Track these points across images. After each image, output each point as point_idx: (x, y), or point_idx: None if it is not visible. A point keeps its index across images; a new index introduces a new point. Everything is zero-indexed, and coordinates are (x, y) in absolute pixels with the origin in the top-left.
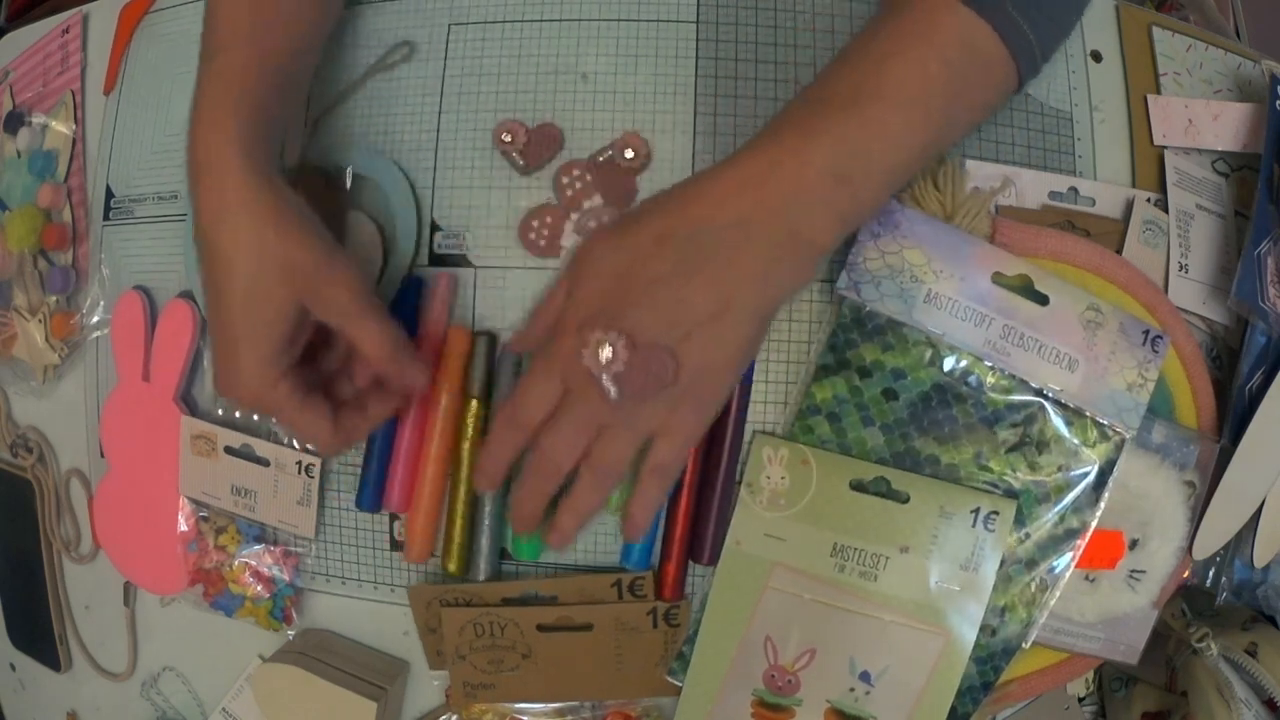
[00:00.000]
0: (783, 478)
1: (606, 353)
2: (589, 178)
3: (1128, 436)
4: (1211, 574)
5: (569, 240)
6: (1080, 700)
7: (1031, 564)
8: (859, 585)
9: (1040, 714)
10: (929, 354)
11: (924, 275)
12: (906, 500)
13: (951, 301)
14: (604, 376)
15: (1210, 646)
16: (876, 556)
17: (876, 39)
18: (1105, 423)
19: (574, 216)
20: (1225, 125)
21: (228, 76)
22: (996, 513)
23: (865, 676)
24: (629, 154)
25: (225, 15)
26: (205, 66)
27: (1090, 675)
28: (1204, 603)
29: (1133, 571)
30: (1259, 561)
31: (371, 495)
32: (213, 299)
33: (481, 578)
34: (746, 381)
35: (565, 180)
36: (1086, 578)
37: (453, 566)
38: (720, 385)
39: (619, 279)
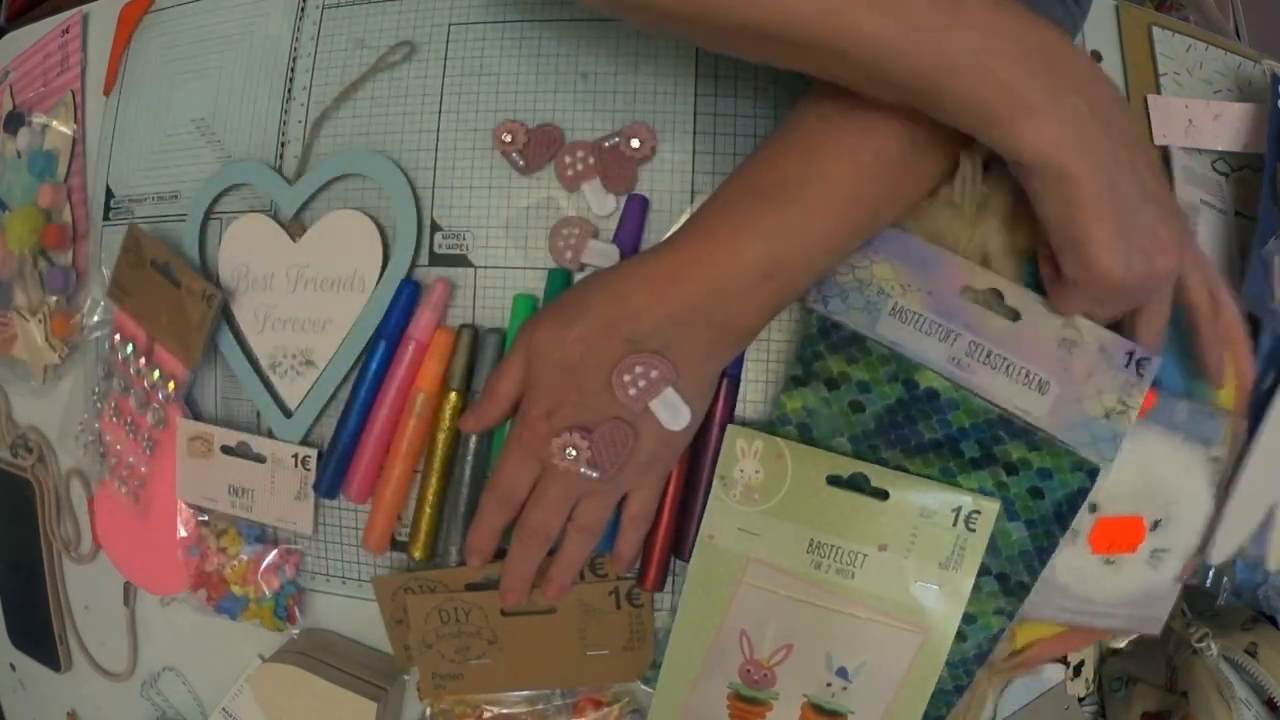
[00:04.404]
0: (757, 471)
1: (571, 452)
2: (591, 160)
3: (1101, 468)
4: (1211, 574)
5: (590, 256)
6: (1080, 700)
7: (1003, 577)
8: (836, 583)
9: (1040, 714)
10: (892, 369)
11: (891, 289)
12: (886, 497)
13: (917, 316)
14: (580, 469)
15: (1210, 646)
16: (854, 554)
17: (811, 123)
18: (1077, 451)
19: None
20: (1225, 125)
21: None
22: (978, 512)
23: (842, 672)
24: (635, 143)
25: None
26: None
27: (1090, 675)
28: (1204, 603)
29: (1155, 551)
30: (1273, 564)
31: (329, 481)
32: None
33: (453, 563)
34: (735, 382)
35: (568, 160)
36: (1106, 561)
37: (419, 554)
38: (679, 445)
39: (570, 372)
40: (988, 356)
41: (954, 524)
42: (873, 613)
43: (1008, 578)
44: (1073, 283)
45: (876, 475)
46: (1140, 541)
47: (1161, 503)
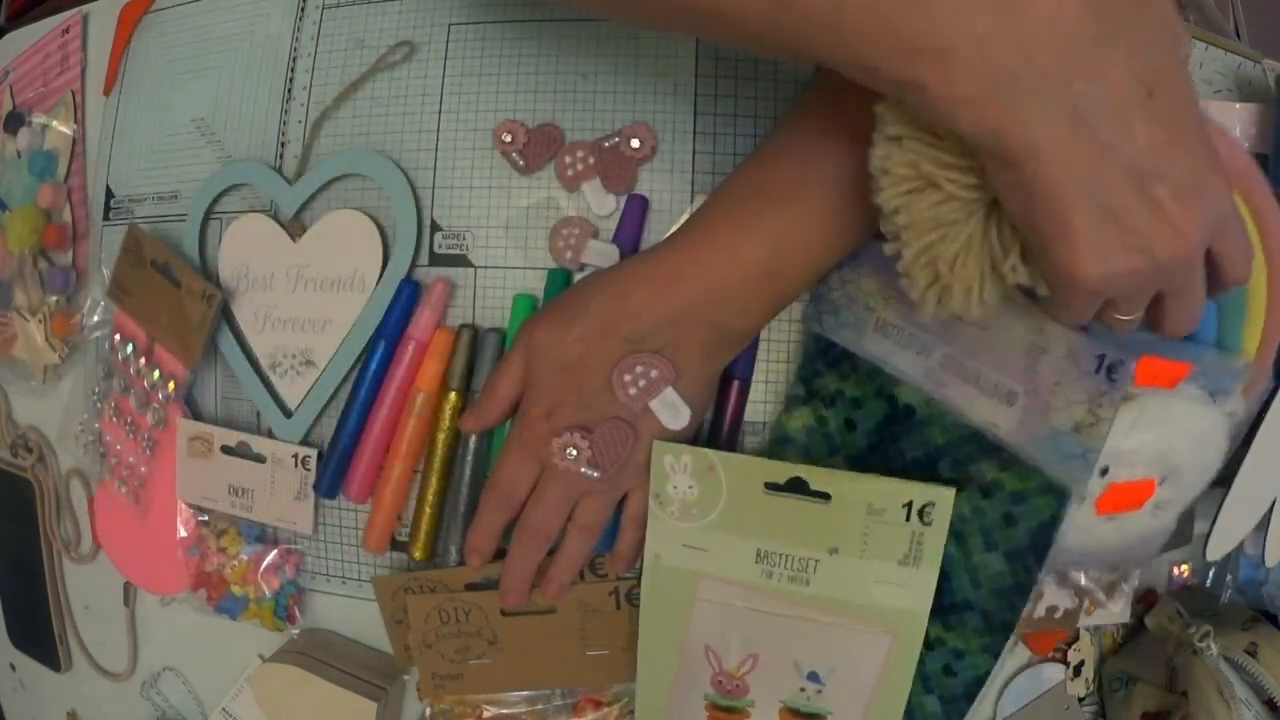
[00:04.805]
0: (690, 486)
1: (572, 452)
2: (592, 160)
3: (1070, 492)
4: (1212, 574)
5: (590, 256)
6: (1080, 700)
7: (986, 614)
8: (791, 590)
9: (1040, 714)
10: (878, 385)
11: (875, 303)
12: (829, 499)
13: (897, 329)
14: (580, 469)
15: (1210, 646)
16: (804, 560)
17: (811, 123)
18: (1045, 470)
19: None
20: (1227, 125)
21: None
22: (932, 504)
23: (814, 677)
24: (635, 143)
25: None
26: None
27: (1090, 675)
28: (1204, 602)
29: (1159, 503)
30: (1270, 560)
31: (328, 481)
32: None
33: (452, 563)
34: (746, 385)
35: (568, 160)
36: (1109, 519)
37: (419, 554)
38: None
39: (569, 372)
40: (960, 368)
41: (906, 519)
42: (835, 617)
43: (991, 615)
44: (1051, 286)
45: (814, 478)
46: (1148, 499)
47: (1174, 463)
